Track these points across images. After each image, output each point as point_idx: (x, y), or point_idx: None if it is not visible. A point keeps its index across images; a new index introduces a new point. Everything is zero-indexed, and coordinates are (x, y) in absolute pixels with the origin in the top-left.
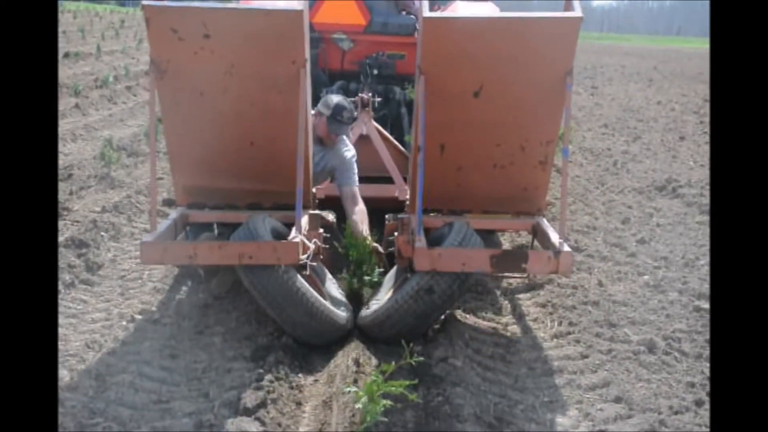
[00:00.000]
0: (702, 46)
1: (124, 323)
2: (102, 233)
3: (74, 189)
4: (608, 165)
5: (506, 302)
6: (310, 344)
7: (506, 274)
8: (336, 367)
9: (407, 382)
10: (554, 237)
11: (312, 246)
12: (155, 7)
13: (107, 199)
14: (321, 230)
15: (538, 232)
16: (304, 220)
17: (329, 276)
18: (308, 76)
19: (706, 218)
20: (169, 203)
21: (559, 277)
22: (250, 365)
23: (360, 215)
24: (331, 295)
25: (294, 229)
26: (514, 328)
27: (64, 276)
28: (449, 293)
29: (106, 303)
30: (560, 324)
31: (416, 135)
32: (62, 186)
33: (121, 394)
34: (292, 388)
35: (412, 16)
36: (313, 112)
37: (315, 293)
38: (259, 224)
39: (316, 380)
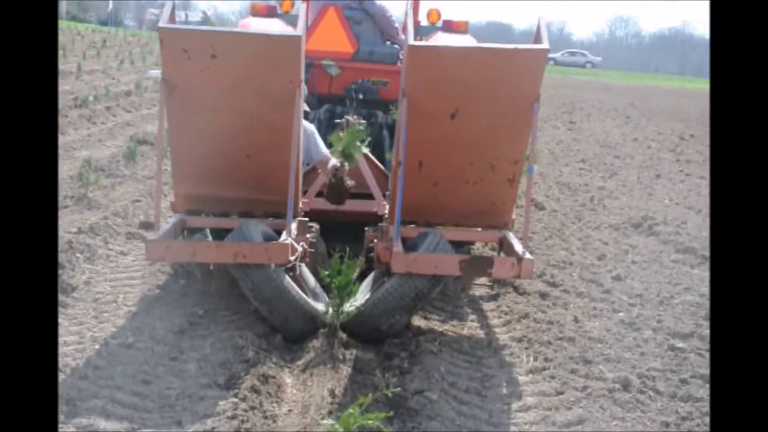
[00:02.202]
0: (679, 84)
1: (97, 347)
2: (77, 255)
3: None
4: (585, 200)
5: (483, 335)
6: (294, 337)
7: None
8: (311, 397)
9: (383, 415)
10: (518, 246)
11: (300, 249)
12: (169, 29)
13: (83, 220)
14: (308, 236)
15: (504, 244)
16: (293, 226)
17: (311, 276)
18: (303, 95)
19: (682, 256)
20: (145, 226)
21: (536, 312)
22: (224, 393)
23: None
24: (314, 291)
25: (284, 233)
26: (490, 362)
27: None
28: (422, 293)
29: (79, 326)
30: (536, 359)
31: (397, 151)
32: None
33: (92, 420)
34: (266, 417)
35: (396, 46)
36: None
37: (300, 291)
38: (252, 228)
39: (290, 410)
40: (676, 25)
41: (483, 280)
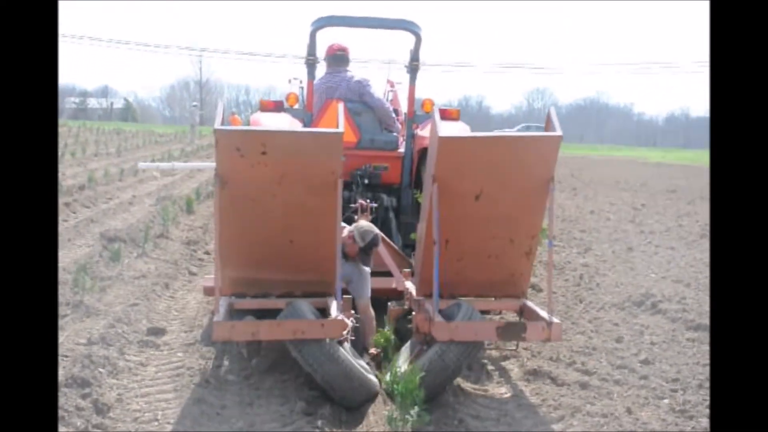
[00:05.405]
0: (608, 153)
1: None
2: (100, 369)
3: None
4: (576, 280)
5: None
6: (348, 405)
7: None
8: None
9: None
10: (543, 313)
11: (350, 324)
12: (225, 131)
13: (87, 328)
14: (352, 311)
15: (525, 311)
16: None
17: (352, 349)
18: (341, 184)
19: (696, 335)
20: (154, 332)
21: (585, 404)
22: None
23: (369, 326)
24: (360, 364)
25: (334, 309)
26: None
27: (74, 420)
28: (464, 357)
29: None
30: None
31: (429, 231)
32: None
33: None
34: None
35: (394, 134)
36: (346, 231)
37: (353, 362)
38: (304, 306)
39: None
40: (591, 95)
41: (518, 372)
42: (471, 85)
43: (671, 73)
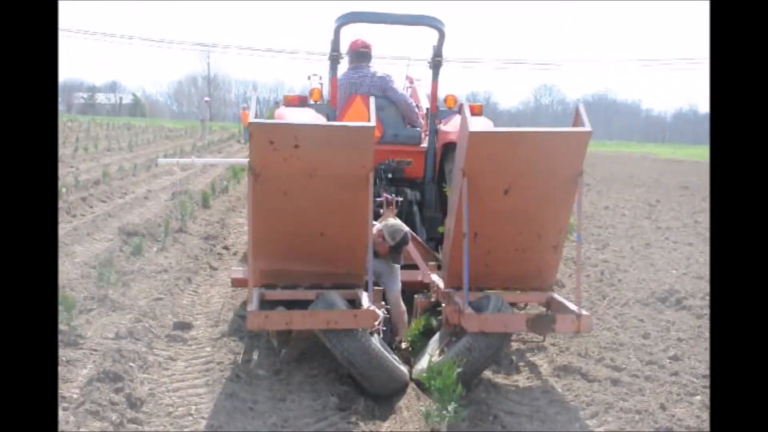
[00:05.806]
0: (616, 149)
1: None
2: (131, 364)
3: (75, 314)
4: (598, 276)
5: None
6: (380, 395)
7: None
8: None
9: None
10: (571, 306)
11: (381, 315)
12: (259, 124)
13: (114, 323)
14: (383, 302)
15: (552, 304)
16: (371, 295)
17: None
18: (372, 178)
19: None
20: (180, 326)
21: (618, 400)
22: None
23: (400, 319)
24: (390, 354)
25: (366, 300)
26: None
27: (109, 415)
28: (494, 349)
29: None
30: None
31: (458, 224)
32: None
33: None
34: None
35: (417, 129)
36: (375, 230)
37: (385, 352)
38: (335, 297)
39: None
40: (599, 91)
41: (547, 368)
42: (478, 81)
43: (680, 69)
